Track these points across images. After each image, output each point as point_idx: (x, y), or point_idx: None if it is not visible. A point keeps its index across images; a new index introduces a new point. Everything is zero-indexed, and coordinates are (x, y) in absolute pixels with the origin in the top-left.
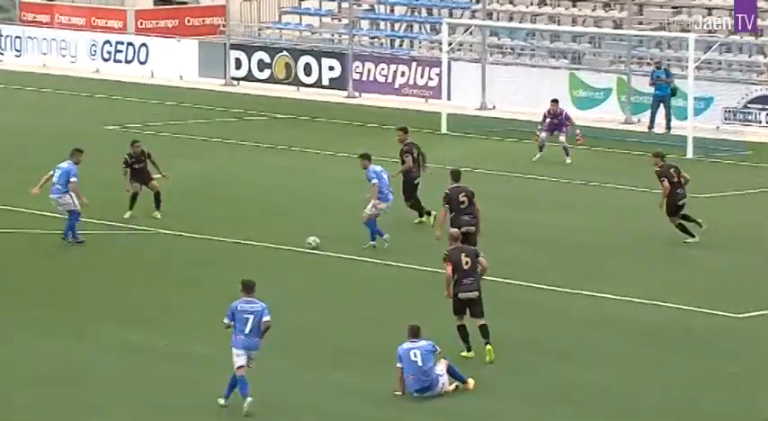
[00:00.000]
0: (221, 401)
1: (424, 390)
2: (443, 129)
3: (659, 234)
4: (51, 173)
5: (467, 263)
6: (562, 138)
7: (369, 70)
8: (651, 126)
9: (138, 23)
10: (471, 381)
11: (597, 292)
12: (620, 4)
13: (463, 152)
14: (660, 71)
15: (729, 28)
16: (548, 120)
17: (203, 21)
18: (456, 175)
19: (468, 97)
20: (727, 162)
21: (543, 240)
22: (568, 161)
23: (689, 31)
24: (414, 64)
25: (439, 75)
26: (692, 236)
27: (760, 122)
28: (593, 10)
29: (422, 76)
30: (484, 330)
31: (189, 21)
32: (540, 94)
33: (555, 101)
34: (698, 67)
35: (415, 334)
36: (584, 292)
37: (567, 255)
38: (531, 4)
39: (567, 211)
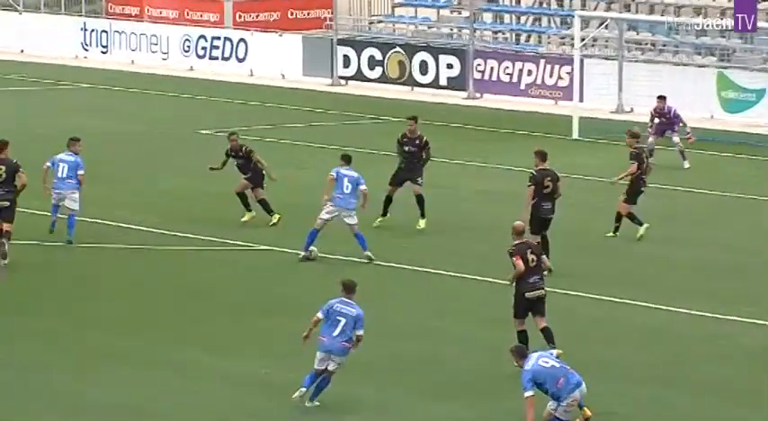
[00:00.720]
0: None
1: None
2: (575, 135)
3: None
4: (49, 165)
5: (533, 260)
6: (676, 139)
7: (491, 68)
8: None
9: (237, 17)
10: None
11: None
12: None
13: (597, 160)
14: None
15: None
16: (656, 120)
17: (308, 14)
18: (543, 156)
19: (602, 99)
20: None
21: (695, 262)
22: (687, 166)
23: None
24: (542, 61)
25: (570, 73)
26: (641, 224)
27: None
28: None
29: (551, 76)
30: (548, 334)
31: (292, 13)
32: (684, 95)
33: (662, 97)
34: None
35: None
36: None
37: (721, 278)
38: None
39: (713, 226)
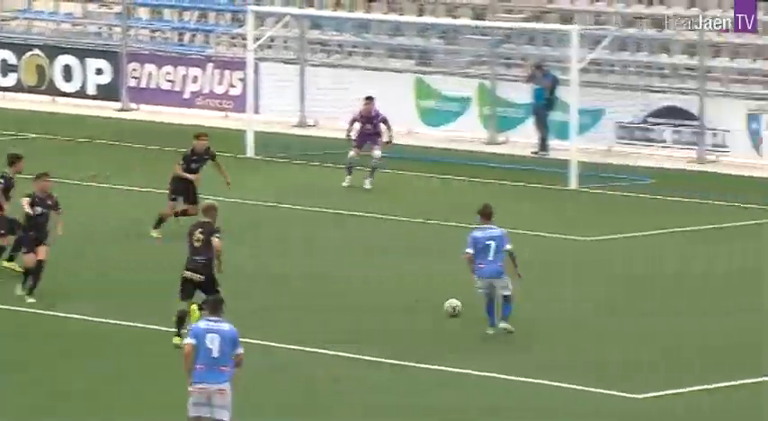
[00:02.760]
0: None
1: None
2: (249, 152)
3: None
4: None
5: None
6: (377, 152)
7: (149, 74)
8: (544, 148)
9: None
10: None
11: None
12: None
13: (276, 183)
14: (541, 72)
15: (623, 17)
16: (357, 125)
17: None
18: None
19: (281, 110)
20: (621, 194)
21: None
22: (368, 186)
23: (571, 22)
24: (209, 66)
25: (243, 80)
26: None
27: (664, 142)
28: None
29: (220, 83)
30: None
31: None
32: (377, 105)
33: (370, 98)
34: (583, 70)
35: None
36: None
37: None
38: None
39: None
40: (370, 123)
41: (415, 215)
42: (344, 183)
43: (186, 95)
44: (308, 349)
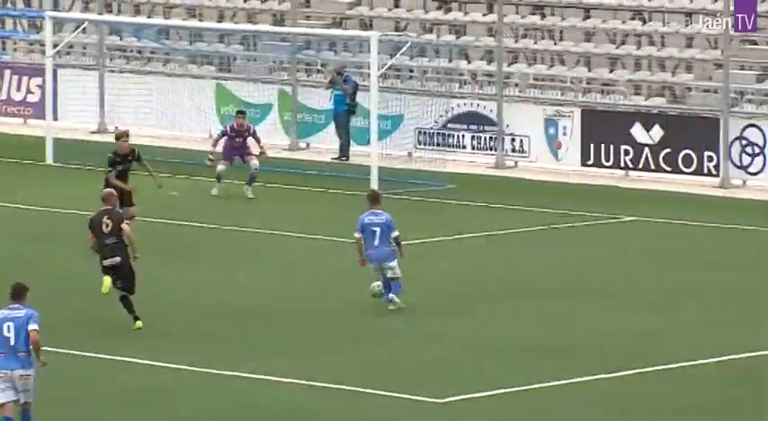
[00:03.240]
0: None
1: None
2: (49, 160)
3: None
4: None
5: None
6: (256, 162)
7: None
8: (345, 154)
9: None
10: None
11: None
12: None
13: (78, 189)
14: (341, 78)
15: (423, 25)
16: (223, 139)
17: None
18: None
19: (81, 116)
20: (422, 199)
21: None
22: (250, 195)
23: (371, 29)
24: (7, 72)
25: (41, 87)
26: None
27: (464, 147)
28: (245, 0)
29: (18, 89)
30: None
31: None
32: (177, 111)
33: (242, 113)
34: (383, 76)
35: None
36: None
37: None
38: None
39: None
40: (240, 137)
41: (219, 221)
42: (213, 192)
43: None
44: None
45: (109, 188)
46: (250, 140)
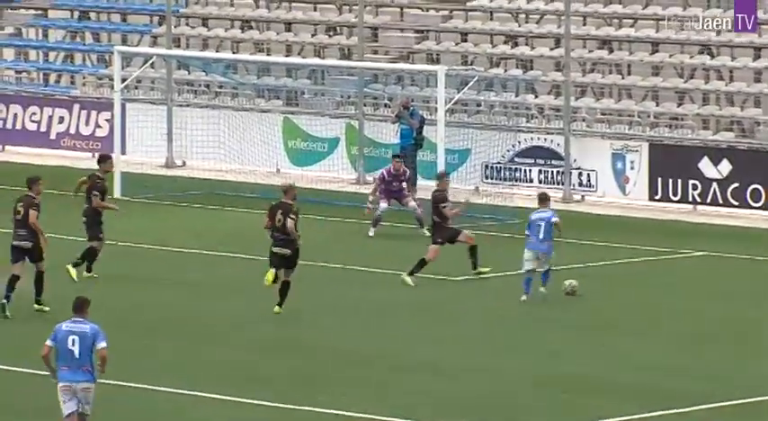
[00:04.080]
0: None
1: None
2: (117, 193)
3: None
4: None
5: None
6: (413, 203)
7: (15, 115)
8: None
9: None
10: None
11: None
12: (349, 27)
13: (146, 222)
14: (408, 112)
15: (491, 59)
16: (382, 186)
17: None
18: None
19: (149, 150)
20: (488, 233)
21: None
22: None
23: (438, 63)
24: (76, 106)
25: (110, 121)
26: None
27: (531, 181)
28: (312, 35)
29: (87, 123)
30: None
31: None
32: (246, 145)
33: (398, 156)
34: (450, 110)
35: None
36: None
37: None
38: (232, 27)
39: None
40: (397, 181)
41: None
42: (371, 234)
43: (52, 136)
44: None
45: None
46: (405, 185)
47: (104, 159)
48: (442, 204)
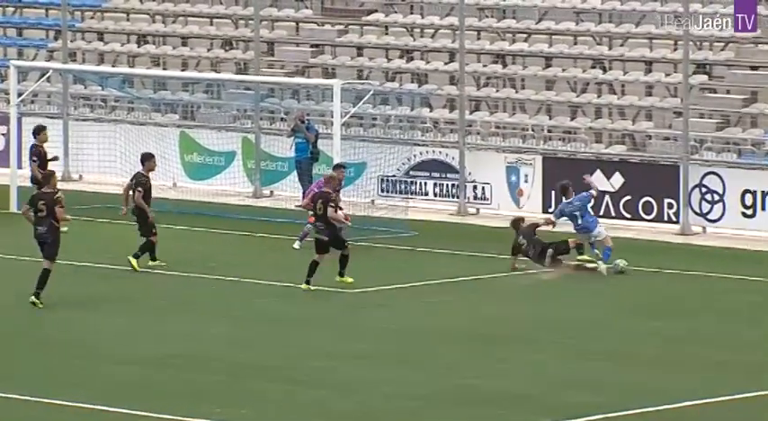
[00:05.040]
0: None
1: None
2: (13, 207)
3: None
4: None
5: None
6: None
7: None
8: None
9: None
10: None
11: None
12: (245, 41)
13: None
14: (304, 125)
15: (386, 73)
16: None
17: None
18: None
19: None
20: (385, 246)
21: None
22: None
23: (334, 77)
24: None
25: (6, 135)
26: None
27: (426, 194)
28: (209, 49)
29: None
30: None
31: None
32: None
33: (342, 166)
34: (346, 124)
35: None
36: None
37: None
38: (128, 42)
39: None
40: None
41: (182, 268)
42: (296, 246)
43: None
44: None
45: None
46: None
47: (147, 158)
48: (332, 203)
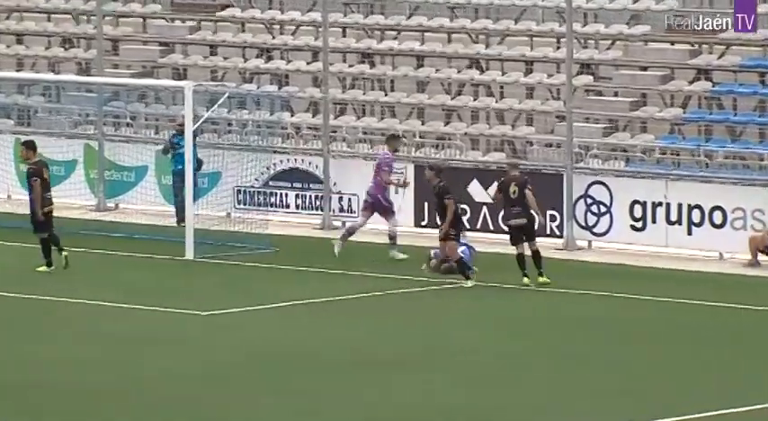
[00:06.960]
0: None
1: None
2: None
3: None
4: None
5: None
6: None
7: None
8: (182, 218)
9: None
10: None
11: None
12: (87, 39)
13: None
14: (182, 136)
15: (243, 74)
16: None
17: None
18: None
19: None
20: (240, 264)
21: None
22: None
23: (185, 78)
24: None
25: None
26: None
27: (287, 207)
28: (46, 48)
29: None
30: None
31: None
32: None
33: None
34: (199, 130)
35: None
36: None
37: None
38: None
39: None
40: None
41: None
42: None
43: None
44: None
45: None
46: None
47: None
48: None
